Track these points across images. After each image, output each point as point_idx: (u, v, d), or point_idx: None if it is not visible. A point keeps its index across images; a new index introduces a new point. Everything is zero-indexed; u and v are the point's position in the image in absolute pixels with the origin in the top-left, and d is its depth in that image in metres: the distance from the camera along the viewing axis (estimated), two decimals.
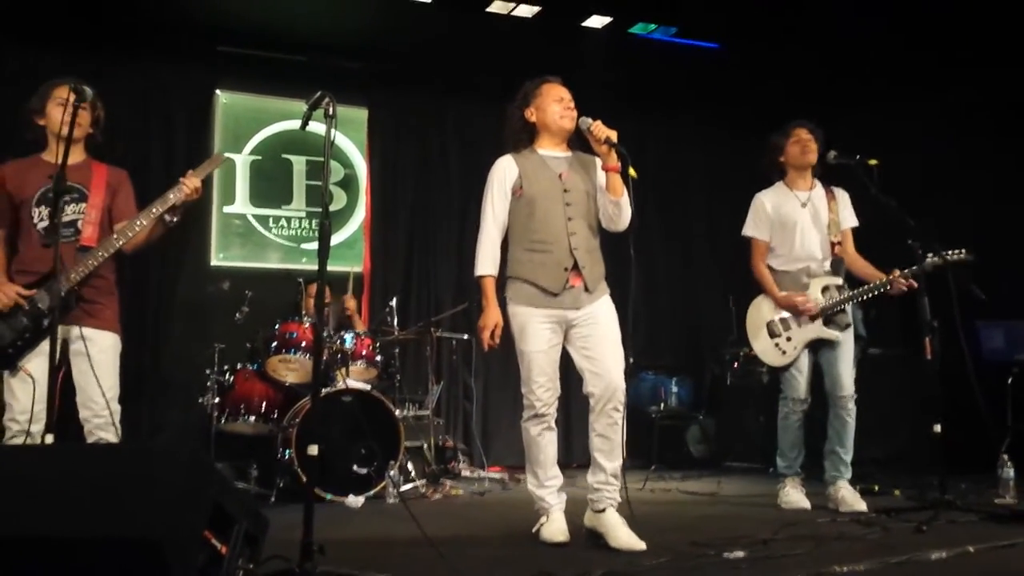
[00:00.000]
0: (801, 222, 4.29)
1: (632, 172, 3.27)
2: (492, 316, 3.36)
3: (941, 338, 4.35)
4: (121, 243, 3.28)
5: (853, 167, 4.12)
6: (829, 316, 4.21)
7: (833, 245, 4.32)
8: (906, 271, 4.07)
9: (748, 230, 4.40)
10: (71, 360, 3.26)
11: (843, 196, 4.43)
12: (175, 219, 3.38)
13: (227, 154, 6.64)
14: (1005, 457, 4.26)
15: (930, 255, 4.04)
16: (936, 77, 6.25)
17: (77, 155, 3.44)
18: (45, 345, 3.14)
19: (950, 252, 4.02)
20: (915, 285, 4.06)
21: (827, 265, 4.30)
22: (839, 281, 4.28)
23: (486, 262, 3.40)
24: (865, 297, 4.22)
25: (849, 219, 4.40)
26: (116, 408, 3.30)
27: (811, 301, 4.20)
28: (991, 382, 5.01)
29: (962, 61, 6.01)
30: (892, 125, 6.54)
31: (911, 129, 6.46)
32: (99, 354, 3.28)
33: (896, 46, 6.14)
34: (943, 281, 4.00)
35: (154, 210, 3.30)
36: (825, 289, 4.25)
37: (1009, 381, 5.42)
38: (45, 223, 3.30)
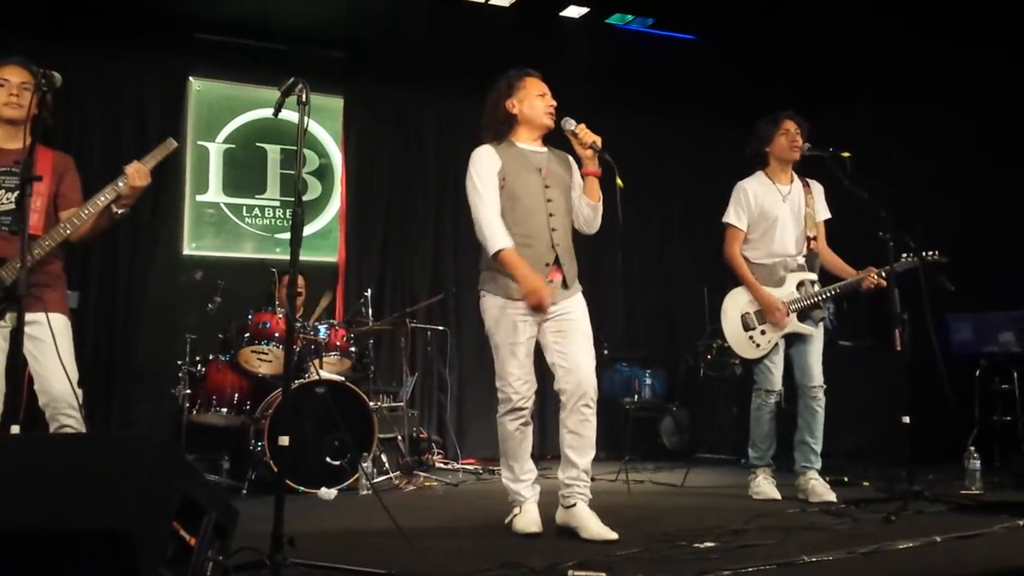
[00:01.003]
0: (782, 217, 4.30)
1: (619, 182, 3.23)
2: (534, 279, 3.18)
3: (911, 330, 4.40)
4: (69, 232, 3.20)
5: (826, 159, 4.15)
6: (804, 311, 4.25)
7: (809, 239, 4.35)
8: (880, 270, 4.11)
9: (729, 217, 4.38)
10: (25, 348, 3.17)
11: (818, 188, 4.45)
12: (122, 211, 3.28)
13: (200, 142, 6.59)
14: (972, 449, 4.32)
15: (905, 255, 4.08)
16: (914, 71, 6.30)
17: (19, 140, 3.32)
18: None
19: (925, 253, 4.07)
20: (884, 284, 4.10)
21: (801, 259, 4.34)
22: (814, 276, 4.32)
23: (501, 235, 3.23)
24: (836, 293, 4.26)
25: (823, 212, 4.44)
26: (76, 392, 3.20)
27: (786, 318, 4.20)
28: (959, 374, 5.07)
29: (944, 54, 6.07)
30: (870, 118, 6.60)
31: (889, 122, 6.51)
32: (51, 337, 3.18)
33: (876, 38, 6.18)
34: (913, 274, 4.05)
35: (101, 199, 3.21)
36: (800, 284, 4.28)
37: (977, 373, 5.49)
38: None
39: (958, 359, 5.47)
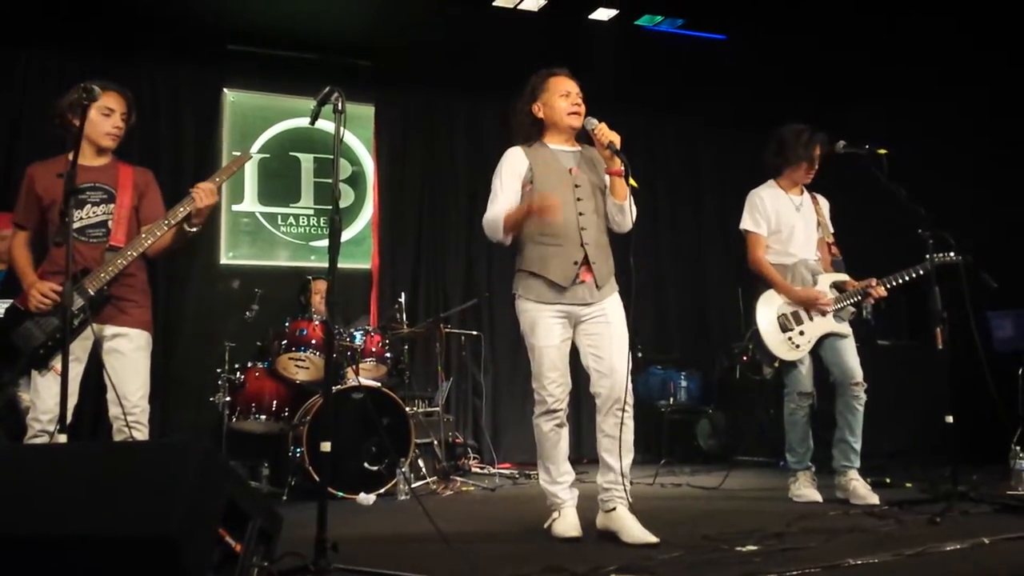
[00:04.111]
0: (796, 225, 4.36)
1: (632, 182, 3.24)
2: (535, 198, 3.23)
3: (950, 328, 4.34)
4: (150, 242, 3.31)
5: (863, 156, 4.12)
6: (838, 311, 4.26)
7: (829, 246, 4.40)
8: (883, 280, 4.18)
9: (746, 224, 4.41)
10: (103, 358, 3.29)
11: (824, 203, 4.53)
12: (194, 229, 3.39)
13: (235, 153, 6.63)
14: (1017, 448, 4.24)
15: (928, 256, 4.06)
16: (946, 69, 6.21)
17: (104, 157, 3.46)
18: (75, 347, 3.16)
19: (948, 254, 4.07)
20: (885, 295, 4.21)
21: (820, 265, 4.37)
22: (845, 277, 4.34)
23: (500, 211, 3.28)
24: (858, 299, 4.29)
25: (829, 225, 4.50)
26: (145, 407, 3.33)
27: (828, 296, 4.23)
28: (1002, 372, 4.99)
29: (973, 54, 5.99)
30: (902, 115, 6.51)
31: (919, 120, 6.42)
32: (132, 352, 3.32)
33: (907, 33, 6.11)
34: (953, 271, 3.99)
35: (180, 210, 3.33)
36: (833, 285, 4.30)
37: (1020, 371, 5.39)
38: (78, 224, 3.31)
39: (1000, 357, 5.37)
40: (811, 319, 4.26)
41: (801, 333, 4.25)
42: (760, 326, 4.34)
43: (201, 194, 3.31)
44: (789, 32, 6.34)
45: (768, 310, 4.34)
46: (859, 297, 4.26)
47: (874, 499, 3.96)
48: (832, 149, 4.30)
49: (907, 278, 4.19)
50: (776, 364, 4.34)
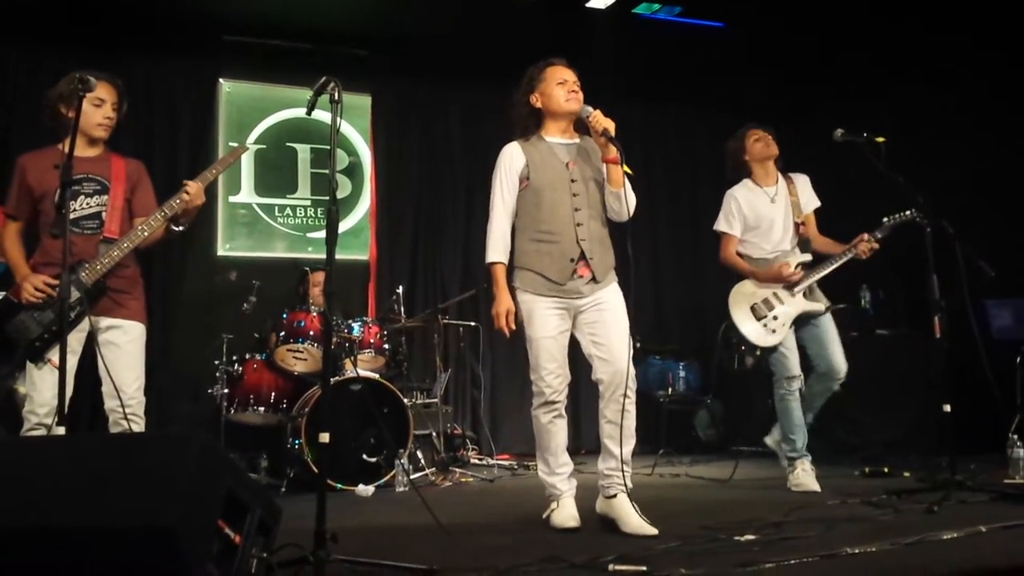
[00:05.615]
0: (775, 219, 4.43)
1: (627, 169, 3.25)
2: (504, 302, 3.33)
3: (948, 317, 4.35)
4: (145, 234, 3.30)
5: (860, 145, 4.13)
6: (808, 291, 4.36)
7: (797, 226, 4.45)
8: (871, 235, 4.23)
9: (720, 226, 4.51)
10: (99, 350, 3.27)
11: (800, 179, 4.58)
12: (180, 228, 3.39)
13: (232, 143, 6.61)
14: (1015, 437, 4.25)
15: (886, 218, 4.23)
16: (945, 62, 6.19)
17: (96, 148, 3.45)
18: (71, 339, 3.15)
19: (905, 213, 4.17)
20: (877, 247, 4.24)
21: (797, 251, 4.44)
22: (809, 257, 4.42)
23: (496, 249, 3.38)
24: (837, 265, 4.35)
25: (811, 202, 4.55)
26: (142, 399, 3.33)
27: (792, 267, 4.33)
28: (1000, 361, 4.99)
29: (972, 52, 5.98)
30: (900, 106, 6.49)
31: (918, 111, 6.40)
32: (128, 344, 3.31)
33: (906, 28, 6.10)
34: (951, 259, 4.00)
35: (176, 202, 3.32)
36: (798, 265, 4.37)
37: (1018, 360, 5.39)
38: (72, 215, 3.27)
39: (998, 345, 5.37)
40: (782, 302, 4.34)
41: (775, 318, 4.33)
42: (735, 318, 4.42)
43: (192, 190, 3.31)
44: (787, 20, 6.32)
45: (741, 300, 4.43)
46: (835, 262, 4.33)
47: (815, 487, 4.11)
48: (772, 132, 4.50)
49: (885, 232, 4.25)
50: (757, 352, 4.39)
